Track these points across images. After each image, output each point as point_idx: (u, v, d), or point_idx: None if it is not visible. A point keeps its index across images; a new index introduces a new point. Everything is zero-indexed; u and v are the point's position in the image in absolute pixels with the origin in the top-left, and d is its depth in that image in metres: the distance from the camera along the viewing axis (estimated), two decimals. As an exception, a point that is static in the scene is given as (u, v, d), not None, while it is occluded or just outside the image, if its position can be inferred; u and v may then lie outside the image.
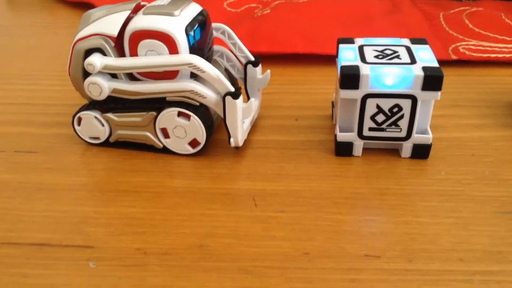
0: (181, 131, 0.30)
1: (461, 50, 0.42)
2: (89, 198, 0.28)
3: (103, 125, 0.31)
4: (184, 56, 0.28)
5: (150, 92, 0.29)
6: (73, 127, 0.32)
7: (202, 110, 0.29)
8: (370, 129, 0.30)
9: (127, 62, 0.28)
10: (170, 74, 0.29)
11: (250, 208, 0.27)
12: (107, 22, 0.29)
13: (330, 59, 0.42)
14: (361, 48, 0.31)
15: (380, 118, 0.29)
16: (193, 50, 0.28)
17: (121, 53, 0.29)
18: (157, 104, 0.30)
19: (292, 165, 0.30)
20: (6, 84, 0.40)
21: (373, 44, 0.31)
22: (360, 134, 0.30)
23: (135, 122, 0.30)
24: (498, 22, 0.46)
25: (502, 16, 0.47)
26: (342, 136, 0.30)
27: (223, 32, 0.33)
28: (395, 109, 0.29)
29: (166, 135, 0.30)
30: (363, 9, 0.50)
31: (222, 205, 0.27)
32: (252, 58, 0.33)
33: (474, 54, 0.41)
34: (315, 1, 0.52)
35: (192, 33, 0.28)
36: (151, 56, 0.28)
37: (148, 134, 0.31)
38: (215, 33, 0.33)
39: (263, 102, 0.36)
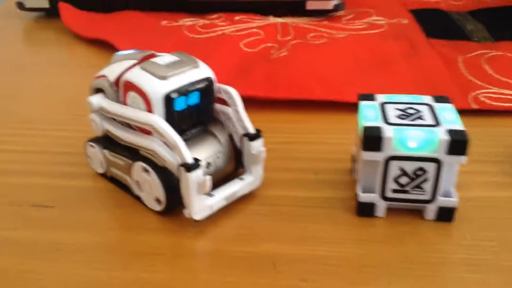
0: (148, 186, 0.30)
1: (481, 98, 0.41)
2: (104, 261, 0.27)
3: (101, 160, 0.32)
4: (149, 116, 0.28)
5: (125, 141, 0.30)
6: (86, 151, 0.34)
7: (165, 172, 0.28)
8: (394, 190, 0.29)
9: (112, 107, 0.30)
10: (146, 129, 0.28)
11: (271, 275, 0.26)
12: (115, 67, 0.30)
13: (349, 105, 0.41)
14: (382, 106, 0.30)
15: (404, 180, 0.29)
16: (176, 115, 0.28)
17: (119, 98, 0.30)
18: (134, 154, 0.30)
19: (314, 226, 0.29)
20: (23, 129, 0.40)
21: (395, 101, 0.31)
22: (383, 196, 0.29)
23: (120, 165, 0.31)
24: (519, 68, 0.45)
25: (523, 61, 0.47)
26: (364, 197, 0.29)
27: (230, 97, 0.31)
28: (419, 172, 0.28)
29: (139, 185, 0.30)
30: (381, 50, 0.49)
31: (242, 272, 0.26)
32: (251, 131, 0.30)
33: (494, 103, 0.41)
34: (332, 42, 0.51)
35: (176, 98, 0.28)
36: (127, 108, 0.29)
37: (129, 179, 0.31)
38: (223, 95, 0.31)
39: (280, 153, 0.35)
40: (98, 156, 0.33)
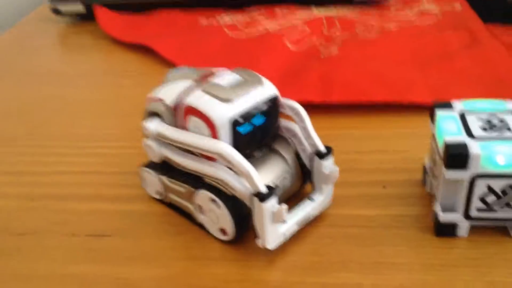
0: (214, 215, 0.28)
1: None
2: (173, 296, 0.26)
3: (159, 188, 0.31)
4: (216, 143, 0.26)
5: (188, 168, 0.28)
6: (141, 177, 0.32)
7: (233, 202, 0.27)
8: (479, 209, 0.26)
9: (172, 134, 0.28)
10: (210, 157, 0.27)
11: (351, 311, 0.24)
12: (171, 89, 0.28)
13: (413, 107, 0.39)
14: (463, 117, 0.27)
15: (491, 199, 0.26)
16: (243, 139, 0.26)
17: (177, 122, 0.28)
18: (197, 181, 0.28)
19: (390, 250, 0.27)
20: (73, 147, 0.38)
21: (475, 110, 0.28)
22: (467, 215, 0.27)
23: (180, 192, 0.29)
24: None
25: None
26: (445, 217, 0.27)
27: (296, 113, 0.28)
28: (509, 189, 0.26)
29: (202, 212, 0.29)
30: (439, 42, 0.46)
31: (320, 307, 0.24)
32: (321, 148, 0.28)
33: None
34: (385, 36, 0.48)
35: (243, 123, 0.26)
36: (189, 134, 0.27)
37: (190, 206, 0.29)
38: (287, 111, 0.29)
39: (342, 164, 0.33)
40: (154, 182, 0.31)
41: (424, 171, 0.31)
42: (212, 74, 0.28)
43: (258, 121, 0.27)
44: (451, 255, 0.27)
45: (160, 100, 0.28)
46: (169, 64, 0.48)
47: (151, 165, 0.31)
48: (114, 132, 0.40)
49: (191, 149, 0.27)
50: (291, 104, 0.28)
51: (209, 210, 0.28)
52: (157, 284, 0.26)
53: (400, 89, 0.39)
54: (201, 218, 0.29)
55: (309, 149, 0.29)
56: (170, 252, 0.28)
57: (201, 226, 0.29)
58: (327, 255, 0.27)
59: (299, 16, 0.55)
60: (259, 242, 0.26)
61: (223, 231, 0.28)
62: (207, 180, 0.28)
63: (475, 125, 0.27)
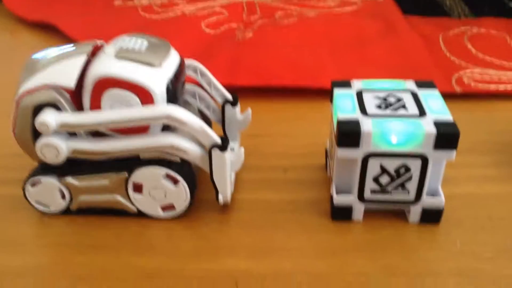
0: (161, 193, 0.25)
1: (466, 81, 0.38)
2: (37, 288, 0.23)
3: (64, 197, 0.26)
4: (161, 107, 0.23)
5: (121, 151, 0.24)
6: (24, 190, 0.26)
7: (187, 171, 0.25)
8: (373, 191, 0.25)
9: (92, 117, 0.24)
10: (141, 128, 0.24)
11: (232, 298, 0.22)
12: (60, 70, 0.24)
13: (322, 92, 0.37)
14: (360, 95, 0.26)
15: (385, 179, 0.25)
16: (170, 102, 0.24)
17: (78, 106, 0.24)
18: (128, 163, 0.25)
19: (282, 234, 0.25)
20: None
21: (373, 89, 0.27)
22: (361, 197, 0.25)
23: (101, 186, 0.26)
24: (503, 46, 0.42)
25: (507, 39, 0.43)
26: (339, 199, 0.26)
27: (194, 70, 0.29)
28: (402, 170, 0.24)
29: (138, 190, 0.26)
30: (355, 30, 0.45)
31: (199, 296, 0.22)
32: (230, 97, 0.29)
33: (480, 85, 0.37)
34: (302, 22, 0.47)
35: (171, 88, 0.24)
36: (121, 109, 0.23)
37: (119, 197, 0.26)
38: (188, 71, 0.28)
39: (246, 148, 0.31)
40: (52, 191, 0.26)
41: (326, 155, 0.30)
42: (103, 44, 0.25)
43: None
44: (345, 239, 0.25)
45: (51, 85, 0.24)
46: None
47: (47, 171, 0.26)
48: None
49: (121, 126, 0.24)
50: (191, 63, 0.28)
51: (153, 188, 0.25)
52: (17, 273, 0.23)
53: (310, 74, 0.38)
54: (134, 201, 0.26)
55: (213, 103, 0.29)
56: (43, 239, 0.25)
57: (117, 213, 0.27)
58: (216, 239, 0.25)
59: (220, 1, 0.53)
60: (221, 200, 0.26)
61: (165, 208, 0.26)
62: (143, 155, 0.25)
63: (371, 103, 0.25)
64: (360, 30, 0.45)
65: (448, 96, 0.36)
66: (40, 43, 0.48)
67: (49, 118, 0.24)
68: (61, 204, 0.26)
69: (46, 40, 0.48)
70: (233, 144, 0.30)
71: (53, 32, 0.48)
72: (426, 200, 0.25)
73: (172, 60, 0.25)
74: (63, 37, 0.47)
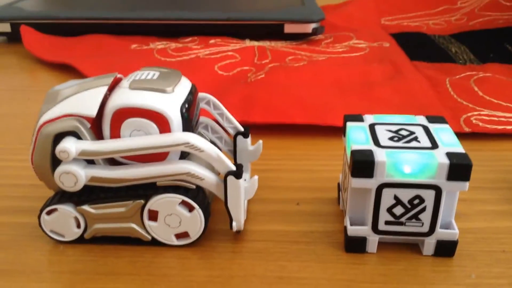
0: (175, 220, 0.26)
1: (474, 121, 0.38)
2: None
3: (79, 226, 0.26)
4: (179, 135, 0.24)
5: (138, 178, 0.25)
6: (39, 219, 0.27)
7: (201, 198, 0.26)
8: (387, 222, 0.25)
9: (110, 145, 0.24)
10: (159, 156, 0.25)
11: (247, 327, 0.22)
12: (82, 100, 0.25)
13: (332, 130, 0.38)
14: (372, 128, 0.27)
15: (399, 210, 0.25)
16: (186, 129, 0.25)
17: (97, 135, 0.25)
18: (145, 190, 0.25)
19: (295, 265, 0.25)
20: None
21: (385, 122, 0.27)
22: (375, 229, 0.26)
23: (117, 214, 0.26)
24: (509, 90, 0.43)
25: (512, 83, 0.44)
26: (353, 230, 0.26)
27: (208, 102, 0.30)
28: (416, 201, 0.25)
29: (153, 219, 0.26)
30: (363, 73, 0.47)
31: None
32: (242, 129, 0.30)
33: (488, 126, 0.38)
34: (312, 65, 0.49)
35: (185, 112, 0.25)
36: (140, 137, 0.24)
37: (134, 225, 0.26)
38: (200, 103, 0.29)
39: (259, 181, 0.31)
40: (68, 220, 0.26)
41: (338, 188, 0.30)
42: (122, 77, 0.26)
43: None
44: (359, 270, 0.25)
45: (72, 115, 0.25)
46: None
47: (63, 199, 0.26)
48: (13, 146, 0.38)
49: (140, 153, 0.24)
50: (202, 95, 0.29)
51: (168, 216, 0.26)
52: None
53: (320, 113, 0.39)
54: (148, 229, 0.26)
55: (225, 134, 0.30)
56: (58, 266, 0.25)
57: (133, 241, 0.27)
58: (229, 269, 0.25)
59: (232, 46, 0.54)
60: (235, 227, 0.26)
61: (180, 235, 0.26)
62: (159, 183, 0.25)
63: (384, 136, 0.26)
64: (368, 73, 0.47)
65: (458, 136, 0.37)
66: (58, 82, 0.49)
67: (69, 145, 0.24)
68: (75, 233, 0.27)
69: (64, 79, 0.49)
70: (245, 175, 0.30)
71: (71, 72, 0.50)
72: (441, 233, 0.25)
73: (184, 85, 0.26)
74: (80, 76, 0.49)
